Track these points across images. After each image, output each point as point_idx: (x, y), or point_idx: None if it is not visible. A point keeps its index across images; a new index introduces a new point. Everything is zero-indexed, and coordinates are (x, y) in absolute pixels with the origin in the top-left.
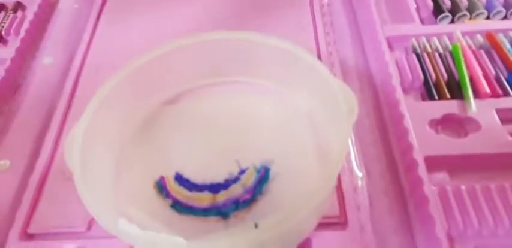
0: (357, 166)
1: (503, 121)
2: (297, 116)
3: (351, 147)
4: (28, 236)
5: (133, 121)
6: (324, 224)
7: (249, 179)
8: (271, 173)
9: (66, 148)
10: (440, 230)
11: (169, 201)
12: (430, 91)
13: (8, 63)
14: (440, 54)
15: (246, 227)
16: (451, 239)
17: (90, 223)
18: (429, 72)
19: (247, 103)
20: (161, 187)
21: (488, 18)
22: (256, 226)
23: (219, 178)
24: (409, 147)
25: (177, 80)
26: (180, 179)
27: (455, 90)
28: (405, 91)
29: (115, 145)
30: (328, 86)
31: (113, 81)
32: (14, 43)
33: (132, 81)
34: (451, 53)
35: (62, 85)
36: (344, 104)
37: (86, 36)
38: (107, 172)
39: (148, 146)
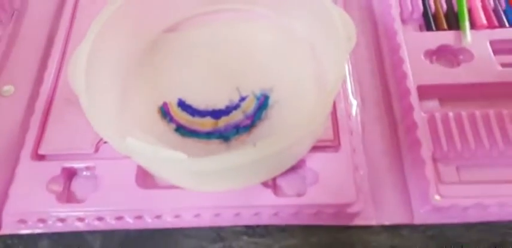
0: (353, 94)
1: (496, 52)
2: (296, 43)
3: (348, 76)
4: (39, 157)
5: (136, 46)
6: (318, 147)
7: (249, 106)
8: (270, 100)
9: (69, 70)
10: (425, 152)
11: (173, 125)
12: (428, 22)
13: None
14: None
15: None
16: (435, 160)
17: (98, 146)
18: (429, 3)
19: (247, 30)
20: (164, 112)
21: None
22: (254, 145)
23: (220, 105)
24: (403, 76)
25: (176, 8)
26: (182, 105)
27: (453, 21)
28: (404, 21)
29: (119, 71)
30: (328, 14)
31: (113, 6)
32: None
33: (133, 8)
34: None
35: (61, 9)
36: (343, 32)
37: None
38: (112, 96)
39: (151, 72)
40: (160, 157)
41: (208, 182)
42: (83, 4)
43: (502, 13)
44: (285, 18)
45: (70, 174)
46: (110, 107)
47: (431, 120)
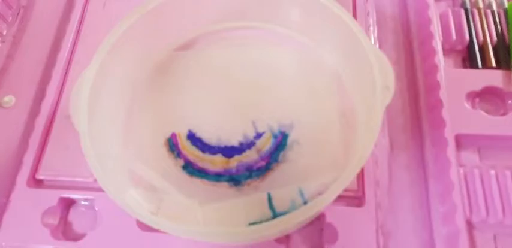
0: (381, 135)
1: None
2: (322, 75)
3: None
4: (36, 182)
5: (144, 68)
6: (340, 197)
7: (265, 145)
8: (289, 140)
9: (71, 102)
10: (460, 216)
11: (181, 161)
12: (473, 56)
13: None
14: (493, 12)
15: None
16: (470, 226)
17: None
18: (476, 33)
19: (268, 54)
20: (172, 145)
21: None
22: (269, 197)
23: (234, 140)
24: (440, 122)
25: (190, 24)
26: (192, 138)
27: (503, 58)
28: (445, 52)
29: (125, 95)
30: (362, 51)
31: (124, 23)
32: None
33: (145, 24)
34: (505, 12)
35: (69, 12)
36: (380, 79)
37: None
38: (115, 126)
39: (161, 98)
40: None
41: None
42: (92, 6)
43: None
44: (311, 44)
45: (68, 204)
46: (113, 138)
47: (469, 177)
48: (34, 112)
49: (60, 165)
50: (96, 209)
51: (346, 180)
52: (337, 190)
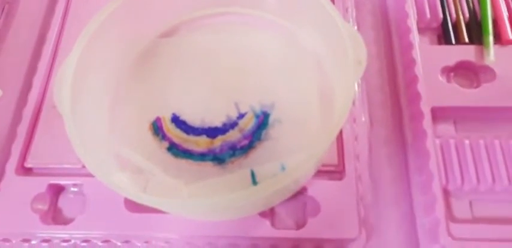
0: (360, 113)
1: None
2: (302, 56)
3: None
4: (25, 170)
5: (128, 55)
6: (321, 172)
7: (248, 124)
8: (271, 119)
9: (55, 88)
10: (436, 184)
11: (166, 144)
12: (447, 33)
13: None
14: None
15: (244, 178)
16: (447, 193)
17: None
18: (449, 11)
19: (250, 38)
20: (157, 128)
21: None
22: (252, 173)
23: (217, 121)
24: (416, 96)
25: (173, 10)
26: (176, 121)
27: (476, 34)
28: (420, 31)
29: (109, 82)
30: (338, 30)
31: (106, 11)
32: None
33: (127, 11)
34: None
35: (53, 6)
36: (352, 54)
37: None
38: (100, 111)
39: (144, 84)
40: (144, 202)
41: (202, 214)
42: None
43: None
44: (291, 27)
45: (57, 190)
46: (98, 122)
47: (445, 147)
48: (21, 103)
49: (48, 153)
50: (85, 193)
51: (323, 146)
52: (314, 157)
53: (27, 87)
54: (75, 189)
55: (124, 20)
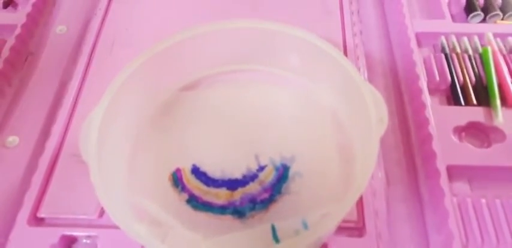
0: (377, 169)
1: None
2: (320, 112)
3: None
4: (37, 221)
5: (150, 106)
6: (341, 229)
7: (268, 177)
8: (291, 172)
9: (82, 136)
10: (457, 243)
11: (185, 196)
12: (456, 95)
13: (18, 29)
14: (469, 56)
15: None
16: None
17: (103, 210)
18: (457, 75)
19: (268, 94)
20: (177, 179)
21: None
22: (273, 229)
23: (237, 173)
24: (432, 155)
25: (195, 66)
26: (197, 172)
27: (483, 96)
28: (430, 92)
29: (130, 132)
30: (357, 88)
31: (132, 65)
32: (24, 8)
33: (152, 66)
34: (480, 56)
35: (76, 58)
36: (374, 112)
37: (102, 6)
38: (121, 161)
39: (165, 134)
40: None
41: None
42: (99, 52)
43: None
44: (309, 84)
45: (69, 242)
46: (119, 172)
47: (463, 206)
48: (37, 151)
49: (62, 203)
50: (98, 246)
51: (347, 206)
52: (338, 216)
53: (44, 135)
54: (88, 241)
55: (149, 74)
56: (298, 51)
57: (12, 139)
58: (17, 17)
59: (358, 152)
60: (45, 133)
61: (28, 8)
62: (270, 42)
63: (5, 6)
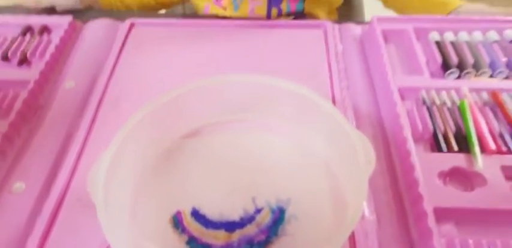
0: (369, 211)
1: (509, 178)
2: (312, 158)
3: None
4: None
5: (153, 152)
6: None
7: (264, 219)
8: (287, 215)
9: (90, 180)
10: None
11: (185, 237)
12: (438, 143)
13: (31, 85)
14: (448, 108)
15: None
16: None
17: None
18: (438, 125)
19: (263, 141)
20: (177, 221)
21: (491, 76)
22: None
23: (235, 215)
24: (419, 198)
25: (197, 116)
26: (196, 215)
27: (463, 143)
28: (415, 140)
29: (134, 176)
30: (346, 134)
31: (138, 115)
32: (37, 65)
33: (156, 116)
34: (458, 108)
35: (83, 111)
36: (362, 155)
37: (109, 64)
38: (125, 204)
39: (167, 179)
40: None
41: None
42: (105, 105)
43: (508, 138)
44: (302, 132)
45: None
46: (122, 215)
47: (451, 246)
48: (42, 197)
49: (64, 247)
50: None
51: (340, 242)
52: None
53: (50, 181)
54: None
55: (153, 123)
56: (291, 103)
57: (19, 185)
58: (30, 74)
59: (349, 195)
60: (51, 179)
61: (41, 66)
62: (265, 95)
63: (20, 64)
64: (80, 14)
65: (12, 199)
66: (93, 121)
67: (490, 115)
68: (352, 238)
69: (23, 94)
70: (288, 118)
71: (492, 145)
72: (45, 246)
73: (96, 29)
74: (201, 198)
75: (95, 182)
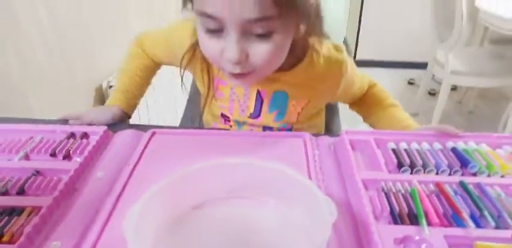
0: None
1: (451, 245)
2: (293, 227)
3: None
4: None
5: (166, 220)
6: None
7: None
8: None
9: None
10: None
11: None
12: (395, 218)
13: (71, 172)
14: (402, 195)
15: None
16: None
17: None
18: (394, 206)
19: (255, 213)
20: None
21: (437, 173)
22: None
23: None
24: None
25: (202, 192)
26: None
27: (414, 219)
28: (376, 218)
29: (147, 240)
30: (317, 199)
31: (157, 186)
32: (77, 160)
33: (169, 190)
34: (410, 194)
35: (108, 193)
36: (327, 208)
37: (133, 161)
38: None
39: (176, 242)
40: None
41: None
42: (127, 191)
43: (450, 217)
44: (285, 207)
45: None
46: None
47: None
48: None
49: None
50: None
51: None
52: None
53: (80, 241)
54: None
55: (169, 193)
56: (276, 182)
57: (56, 244)
58: (71, 165)
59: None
60: (82, 239)
61: (80, 160)
62: (255, 175)
63: (64, 158)
64: (113, 126)
65: None
66: (117, 200)
67: (435, 200)
68: None
69: (65, 178)
70: (273, 194)
71: (436, 220)
72: None
73: (124, 135)
74: None
75: (126, 231)
